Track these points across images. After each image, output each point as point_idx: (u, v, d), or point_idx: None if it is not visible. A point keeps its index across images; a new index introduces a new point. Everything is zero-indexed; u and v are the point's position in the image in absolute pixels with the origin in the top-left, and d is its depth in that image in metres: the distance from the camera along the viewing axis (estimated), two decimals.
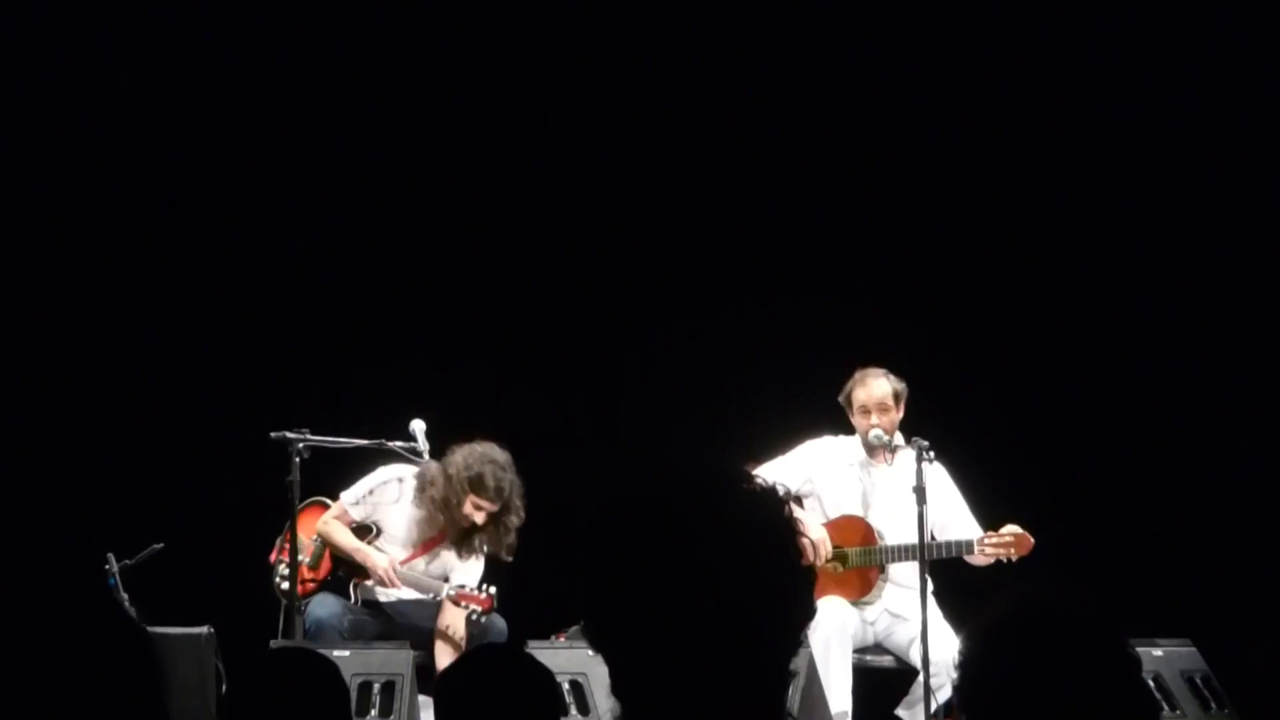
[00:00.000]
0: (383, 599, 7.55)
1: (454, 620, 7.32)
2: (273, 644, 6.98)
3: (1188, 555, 8.49)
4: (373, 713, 6.41)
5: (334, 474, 7.68)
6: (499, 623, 7.43)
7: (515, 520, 7.39)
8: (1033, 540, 7.31)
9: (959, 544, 7.34)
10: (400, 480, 7.52)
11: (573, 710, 6.46)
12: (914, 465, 7.06)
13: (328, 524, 7.54)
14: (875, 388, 7.46)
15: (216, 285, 8.92)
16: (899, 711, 7.41)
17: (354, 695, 6.32)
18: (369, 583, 7.52)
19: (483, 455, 7.32)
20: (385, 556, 7.47)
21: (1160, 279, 8.79)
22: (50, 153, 8.72)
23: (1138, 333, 8.80)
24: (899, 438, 7.43)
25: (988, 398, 8.65)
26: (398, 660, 6.65)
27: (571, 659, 6.40)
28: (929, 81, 9.07)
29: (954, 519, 7.50)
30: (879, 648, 7.58)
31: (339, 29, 9.21)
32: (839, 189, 9.09)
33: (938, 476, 7.34)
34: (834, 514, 7.56)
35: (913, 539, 7.16)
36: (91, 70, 8.82)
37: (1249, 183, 8.74)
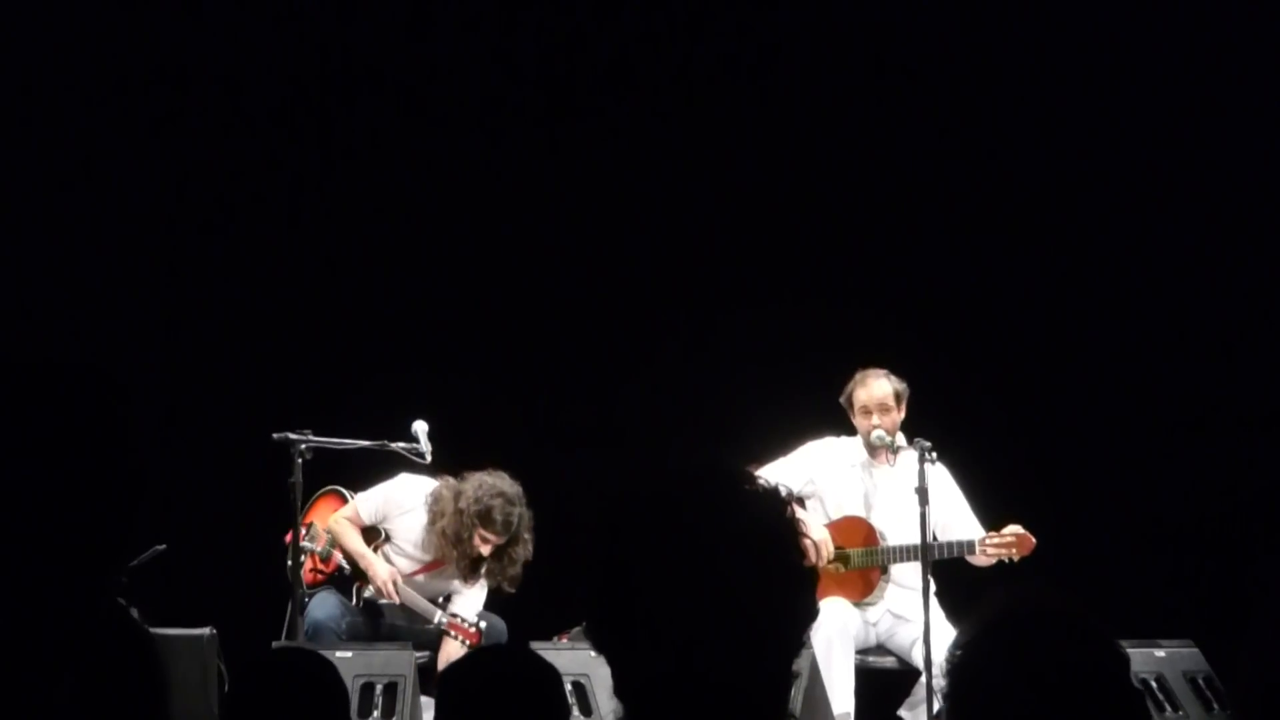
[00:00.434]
0: (383, 603, 7.56)
1: (455, 653, 7.33)
2: (275, 645, 6.98)
3: (1190, 555, 8.48)
4: (375, 714, 6.40)
5: (336, 475, 7.69)
6: (498, 624, 7.44)
7: (522, 553, 7.38)
8: (1034, 540, 7.31)
9: (961, 544, 7.34)
10: (414, 493, 7.51)
11: (575, 711, 6.46)
12: (916, 466, 7.06)
13: (339, 523, 7.56)
14: (876, 388, 7.46)
15: (219, 286, 8.92)
16: (901, 712, 7.41)
17: (356, 696, 6.33)
18: (370, 588, 7.53)
19: (492, 488, 7.31)
20: (388, 568, 7.47)
21: (1161, 278, 8.79)
22: (54, 152, 8.72)
23: (1139, 332, 8.79)
24: (901, 438, 7.43)
25: (989, 398, 8.65)
26: (400, 661, 6.65)
27: (574, 660, 6.40)
28: (930, 81, 9.07)
29: (956, 519, 7.49)
30: (881, 648, 7.58)
31: (345, 33, 9.21)
32: (840, 189, 9.09)
33: (940, 477, 7.34)
34: (836, 515, 7.56)
35: (915, 540, 7.15)
36: (95, 70, 8.82)
37: (1249, 182, 8.74)
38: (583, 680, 6.48)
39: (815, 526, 7.40)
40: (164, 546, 7.20)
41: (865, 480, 7.58)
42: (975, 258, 8.94)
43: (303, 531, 7.39)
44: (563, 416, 9.02)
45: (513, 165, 9.15)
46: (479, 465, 7.57)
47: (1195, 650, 7.17)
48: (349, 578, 7.57)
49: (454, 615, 7.39)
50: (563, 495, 7.81)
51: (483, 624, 7.37)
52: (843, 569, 7.48)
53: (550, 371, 9.01)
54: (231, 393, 8.66)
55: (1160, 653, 7.11)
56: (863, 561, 7.50)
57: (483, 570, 7.42)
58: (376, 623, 7.58)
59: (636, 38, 9.31)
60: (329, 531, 7.56)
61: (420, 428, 7.45)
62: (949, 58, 9.02)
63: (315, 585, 7.52)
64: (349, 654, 6.54)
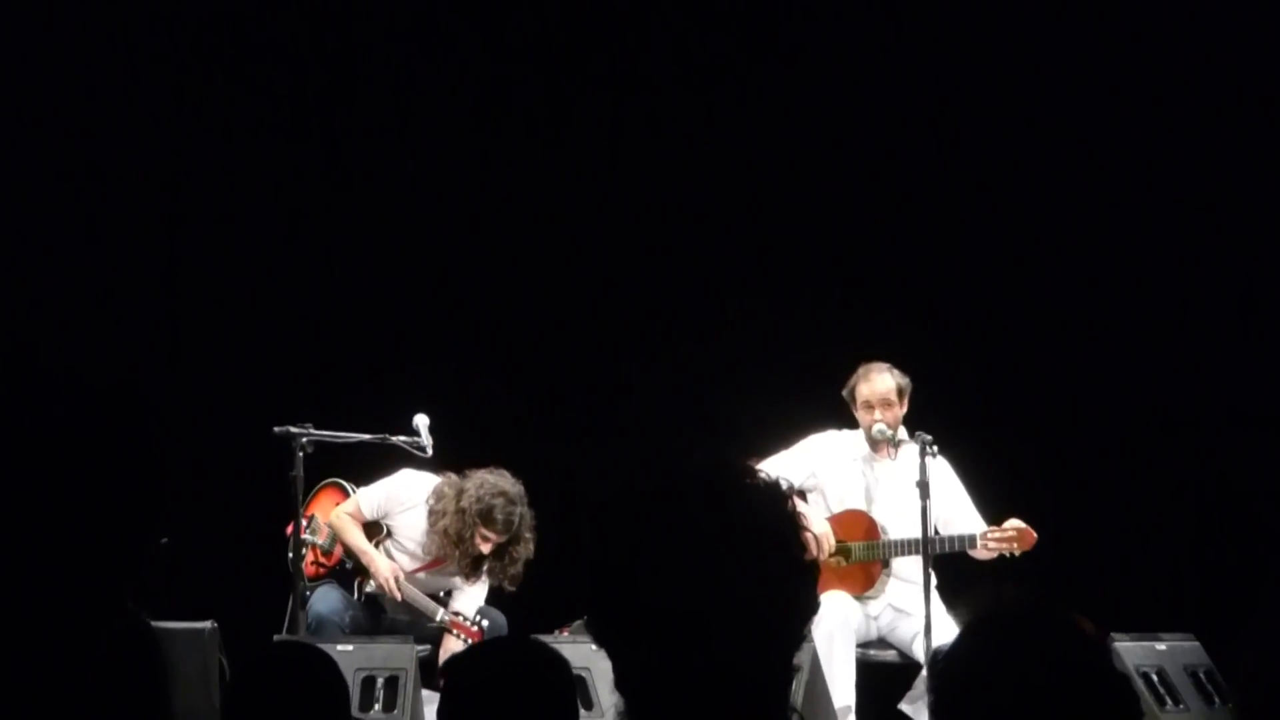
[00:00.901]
0: (384, 598, 7.56)
1: (456, 650, 7.35)
2: (275, 639, 6.98)
3: (1191, 549, 8.48)
4: (376, 707, 6.40)
5: (338, 469, 7.69)
6: (499, 618, 7.44)
7: (523, 552, 7.39)
8: (1035, 534, 7.31)
9: (962, 538, 7.34)
10: (417, 489, 7.51)
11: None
12: (917, 460, 7.06)
13: (340, 519, 7.55)
14: (879, 383, 7.46)
15: (221, 280, 8.92)
16: (902, 706, 7.40)
17: (358, 690, 6.32)
18: (372, 584, 7.53)
19: (494, 486, 7.31)
20: (390, 565, 7.46)
21: (1162, 272, 8.78)
22: (55, 146, 8.72)
23: (1141, 326, 8.79)
24: (902, 432, 7.43)
25: (991, 392, 8.65)
26: (401, 655, 6.65)
27: (575, 654, 6.32)
28: (931, 78, 9.06)
29: (957, 513, 7.49)
30: (882, 642, 7.58)
31: (347, 28, 9.20)
32: (843, 185, 9.08)
33: (941, 471, 7.34)
34: (838, 508, 7.56)
35: (916, 533, 7.15)
36: (96, 64, 8.82)
37: (1249, 179, 8.73)
38: (584, 674, 6.48)
39: (816, 520, 7.40)
40: (165, 540, 7.19)
41: (867, 474, 7.58)
42: (976, 252, 8.94)
43: (303, 524, 7.39)
44: (564, 410, 9.03)
45: (514, 160, 9.14)
46: (480, 459, 7.58)
47: (1196, 644, 7.17)
48: (350, 572, 7.58)
49: (455, 613, 7.39)
50: (564, 489, 7.82)
51: (485, 622, 7.38)
52: (844, 562, 7.48)
53: (552, 365, 9.01)
54: (233, 386, 8.66)
55: (1161, 646, 7.11)
56: (864, 555, 7.50)
57: (484, 569, 7.43)
58: (378, 617, 7.59)
59: (639, 31, 9.30)
60: (331, 526, 7.56)
61: (421, 421, 7.45)
62: (951, 53, 9.01)
63: (316, 579, 7.52)
64: (350, 647, 6.54)
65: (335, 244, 9.07)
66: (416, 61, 9.22)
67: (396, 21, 9.22)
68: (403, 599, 7.47)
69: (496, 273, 9.10)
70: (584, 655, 6.42)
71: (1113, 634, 6.87)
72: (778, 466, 7.23)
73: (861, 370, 7.53)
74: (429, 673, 6.97)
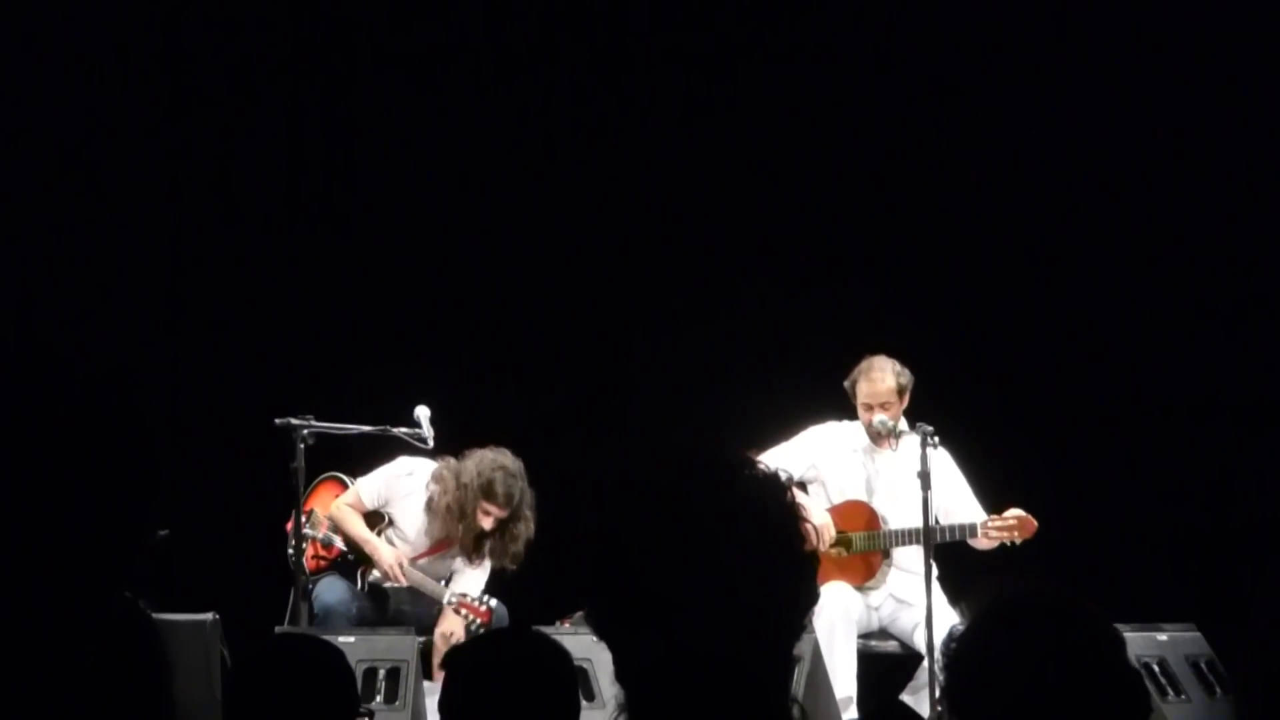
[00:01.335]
0: (389, 586, 7.57)
1: (455, 627, 7.34)
2: (278, 630, 6.98)
3: (1192, 539, 8.48)
4: (378, 699, 6.40)
5: (339, 461, 7.69)
6: (500, 609, 7.44)
7: (523, 530, 7.39)
8: (1036, 523, 7.32)
9: (963, 528, 7.35)
10: (415, 475, 7.52)
11: None
12: (918, 450, 7.07)
13: (341, 510, 7.55)
14: (880, 383, 7.46)
15: (222, 271, 8.92)
16: (903, 697, 7.41)
17: (359, 681, 6.32)
18: (375, 572, 7.53)
19: (494, 462, 7.33)
20: (393, 551, 7.47)
21: (1165, 264, 8.78)
22: (57, 138, 8.72)
23: (1142, 317, 8.79)
24: (903, 423, 7.44)
25: (992, 382, 8.65)
26: (403, 647, 6.65)
27: (576, 645, 6.33)
28: (935, 68, 9.05)
29: (958, 503, 7.50)
30: (883, 633, 7.59)
31: (346, 23, 9.19)
32: (845, 174, 9.08)
33: (942, 461, 7.34)
34: (838, 499, 7.57)
35: (917, 524, 7.16)
36: (97, 60, 8.81)
37: (1252, 172, 8.73)
38: (585, 665, 6.47)
39: (817, 511, 7.41)
40: (166, 531, 7.21)
41: (867, 465, 7.59)
42: (978, 241, 8.93)
43: (303, 519, 7.40)
44: (565, 401, 9.03)
45: (513, 150, 9.13)
46: (481, 447, 7.60)
47: (1197, 634, 7.17)
48: (353, 563, 7.58)
49: (463, 594, 7.40)
50: (564, 480, 7.81)
51: (493, 602, 7.38)
52: (845, 553, 7.49)
53: (553, 356, 9.01)
54: (234, 378, 8.66)
55: (1162, 636, 7.11)
56: (865, 546, 7.51)
57: (486, 549, 7.43)
58: (383, 607, 7.58)
59: (645, 23, 9.29)
60: (331, 518, 7.56)
61: (422, 413, 7.46)
62: (955, 45, 9.00)
63: (318, 572, 7.52)
64: (351, 639, 6.54)
65: (336, 236, 9.07)
66: (415, 56, 9.20)
67: (395, 16, 9.21)
68: (408, 584, 7.47)
69: (497, 264, 9.09)
70: (585, 646, 6.41)
71: (1114, 623, 6.86)
72: (778, 458, 7.23)
73: (864, 365, 7.53)
74: (430, 664, 6.98)
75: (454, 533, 7.40)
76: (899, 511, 7.44)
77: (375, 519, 7.60)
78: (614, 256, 9.07)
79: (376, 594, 7.59)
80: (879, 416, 7.42)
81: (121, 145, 8.84)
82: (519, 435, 8.20)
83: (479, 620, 7.33)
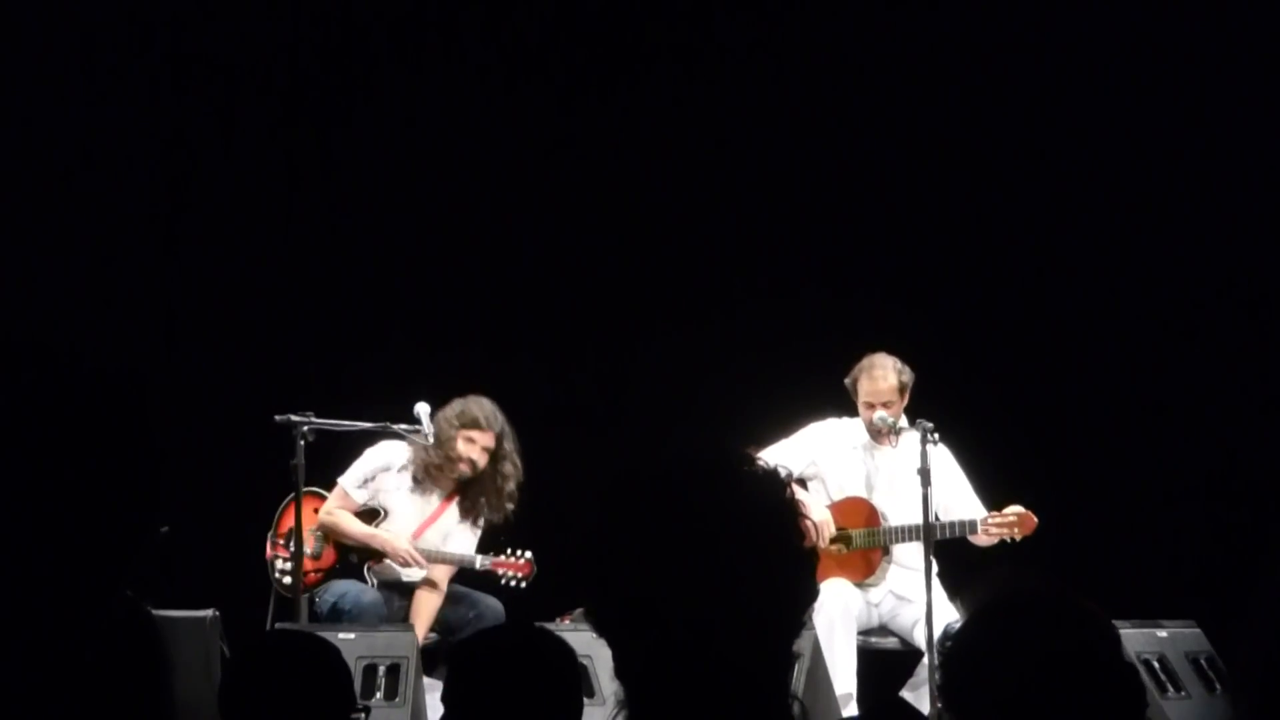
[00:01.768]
0: (405, 578, 7.52)
1: (428, 604, 7.36)
2: (279, 626, 6.98)
3: (1192, 536, 8.48)
4: (378, 695, 6.40)
5: (338, 457, 7.69)
6: (495, 606, 7.41)
7: (511, 472, 7.44)
8: (1036, 520, 7.32)
9: (963, 524, 7.35)
10: (395, 451, 7.52)
11: None
12: (918, 447, 7.07)
13: (332, 514, 7.49)
14: (881, 380, 7.46)
15: (221, 267, 8.92)
16: (903, 693, 7.41)
17: (359, 678, 6.33)
18: (384, 564, 7.49)
19: (471, 398, 7.46)
20: (403, 538, 7.45)
21: (1164, 261, 8.78)
22: (53, 135, 8.72)
23: (1141, 314, 8.79)
24: (903, 419, 7.44)
25: (991, 379, 8.65)
26: (403, 643, 6.65)
27: (576, 641, 6.35)
28: (934, 69, 9.05)
29: (958, 500, 7.51)
30: (883, 629, 7.59)
31: (346, 18, 9.19)
32: (845, 174, 9.08)
33: (942, 458, 7.35)
34: (838, 496, 7.57)
35: (917, 520, 7.16)
36: (95, 58, 8.81)
37: (1252, 172, 8.72)
38: (586, 661, 6.46)
39: (817, 508, 7.41)
40: (166, 528, 7.20)
41: (867, 461, 7.59)
42: (977, 239, 8.93)
43: (279, 541, 7.39)
44: (564, 398, 9.02)
45: (516, 147, 9.13)
46: (520, 487, 7.60)
47: (1197, 630, 7.18)
48: (355, 565, 7.52)
49: (496, 555, 7.40)
50: (564, 477, 7.81)
51: (528, 553, 7.39)
52: (845, 550, 7.49)
53: (552, 353, 9.01)
54: (234, 375, 8.66)
55: (1162, 633, 7.12)
56: (865, 542, 7.52)
57: (481, 504, 7.41)
58: (404, 599, 7.54)
59: (647, 23, 9.28)
60: (322, 527, 7.48)
61: (422, 410, 7.46)
62: (955, 46, 9.00)
63: (316, 585, 7.44)
64: (351, 635, 6.54)
65: (336, 231, 9.06)
66: (415, 46, 9.20)
67: (397, 7, 9.21)
68: (431, 563, 7.45)
69: (498, 262, 9.09)
70: (586, 643, 6.39)
71: (1114, 621, 6.86)
72: (777, 455, 7.24)
73: (865, 363, 7.53)
74: (430, 661, 6.98)
75: (444, 482, 7.39)
76: (899, 508, 7.45)
77: (368, 516, 7.57)
78: (613, 255, 9.07)
79: (389, 588, 7.54)
80: (879, 413, 7.42)
81: (120, 143, 8.84)
82: (519, 431, 8.19)
83: (520, 574, 7.35)
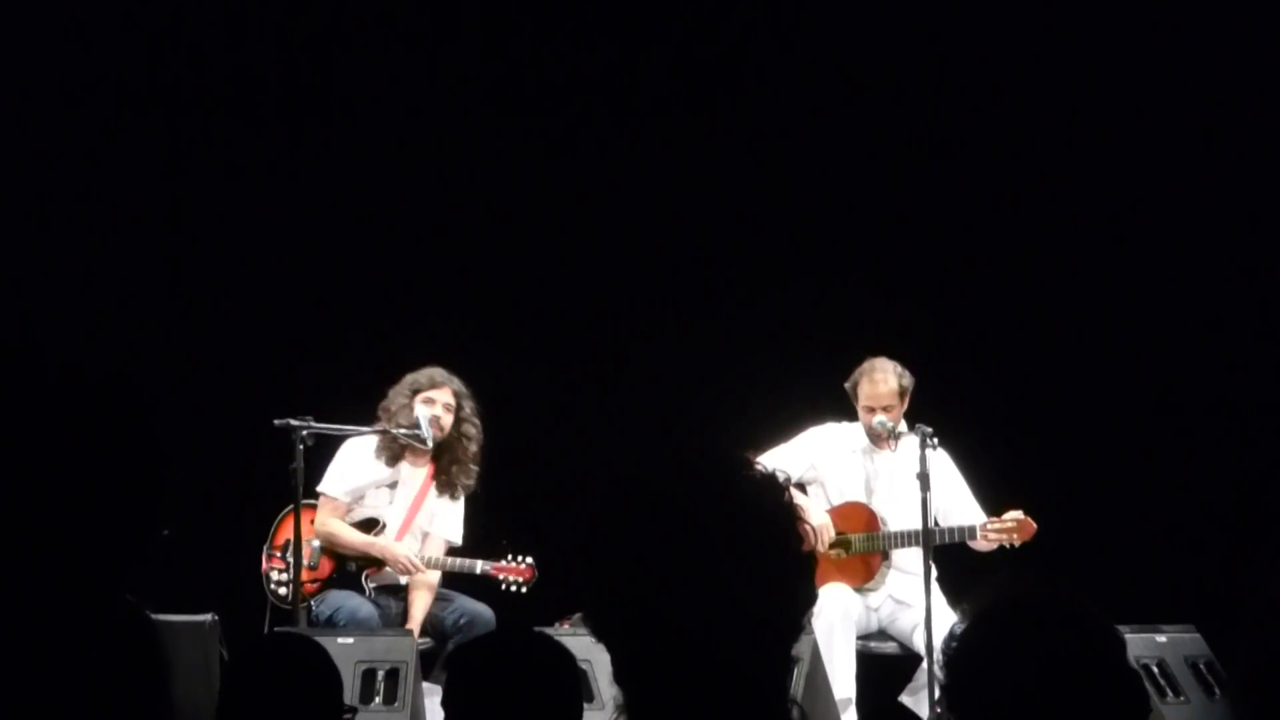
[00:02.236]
0: (404, 583, 7.50)
1: (423, 604, 7.36)
2: (277, 630, 6.98)
3: (1192, 540, 8.48)
4: (377, 700, 6.40)
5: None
6: (486, 613, 7.38)
7: (473, 431, 7.48)
8: (1035, 525, 7.32)
9: (962, 529, 7.35)
10: (362, 445, 7.52)
11: None
12: (917, 451, 7.07)
13: (326, 525, 7.46)
14: (881, 384, 7.46)
15: (220, 271, 8.92)
16: (903, 698, 7.41)
17: (358, 683, 6.32)
18: (382, 571, 7.48)
19: (419, 371, 7.53)
20: (403, 546, 7.44)
21: (1164, 266, 8.78)
22: (52, 139, 8.72)
23: (1141, 320, 8.79)
24: (902, 424, 7.45)
25: (991, 383, 8.65)
26: (402, 647, 6.65)
27: (575, 646, 6.36)
28: (934, 68, 9.05)
29: (957, 505, 7.50)
30: (883, 634, 7.59)
31: (336, 21, 9.19)
32: (845, 174, 9.08)
33: (941, 462, 7.35)
34: (838, 500, 7.57)
35: (916, 525, 7.16)
36: (92, 59, 8.81)
37: (1254, 175, 8.73)
38: (585, 666, 6.45)
39: (816, 512, 7.41)
40: (166, 532, 7.19)
41: (867, 466, 7.59)
42: (977, 242, 8.93)
43: (275, 554, 7.38)
44: (563, 402, 9.03)
45: (515, 149, 9.14)
46: (481, 449, 7.60)
47: (1197, 635, 7.17)
48: (353, 574, 7.51)
49: (497, 561, 7.40)
50: (563, 480, 7.81)
51: (530, 559, 7.38)
52: (844, 554, 7.49)
53: (551, 357, 9.01)
54: (233, 379, 8.66)
55: (1162, 638, 7.11)
56: (864, 547, 7.51)
57: (452, 471, 7.41)
58: (401, 606, 7.53)
59: (645, 22, 9.29)
60: (317, 538, 7.45)
61: (421, 414, 7.45)
62: (954, 47, 9.00)
63: (313, 595, 7.41)
64: (350, 640, 6.53)
65: (335, 235, 9.06)
66: (417, 53, 9.20)
67: (388, 15, 9.21)
68: (432, 569, 7.44)
69: (496, 265, 9.09)
70: (585, 647, 6.39)
71: (1115, 625, 6.86)
72: (777, 459, 7.24)
73: (866, 367, 7.53)
74: (430, 666, 6.97)
75: (418, 459, 7.42)
76: (898, 513, 7.45)
77: (367, 527, 7.54)
78: (611, 257, 9.07)
79: (387, 595, 7.52)
80: (879, 418, 7.43)
81: (120, 146, 8.84)
82: (518, 435, 8.20)
83: (521, 579, 7.35)
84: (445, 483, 7.52)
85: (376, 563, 7.47)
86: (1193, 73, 8.72)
